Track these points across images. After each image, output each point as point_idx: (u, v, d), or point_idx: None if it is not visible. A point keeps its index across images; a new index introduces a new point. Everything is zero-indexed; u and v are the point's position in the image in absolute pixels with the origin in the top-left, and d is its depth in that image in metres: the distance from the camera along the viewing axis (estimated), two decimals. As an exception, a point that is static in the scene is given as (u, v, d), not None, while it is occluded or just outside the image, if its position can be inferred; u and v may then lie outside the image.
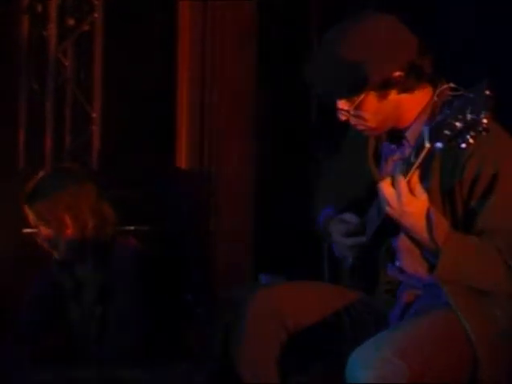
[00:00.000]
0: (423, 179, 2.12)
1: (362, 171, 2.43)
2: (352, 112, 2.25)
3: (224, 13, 4.06)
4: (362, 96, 2.21)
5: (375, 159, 2.41)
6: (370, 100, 2.22)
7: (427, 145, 1.97)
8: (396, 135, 2.34)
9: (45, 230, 3.04)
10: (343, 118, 2.28)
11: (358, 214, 2.41)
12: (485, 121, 1.85)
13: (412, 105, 2.26)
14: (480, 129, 1.86)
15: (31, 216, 3.06)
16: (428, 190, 2.13)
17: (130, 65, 4.29)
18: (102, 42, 4.35)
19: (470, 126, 1.86)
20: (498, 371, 2.15)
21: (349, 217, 2.39)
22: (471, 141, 1.88)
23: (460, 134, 1.88)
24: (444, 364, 2.10)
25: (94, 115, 4.36)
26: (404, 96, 2.24)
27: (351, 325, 2.35)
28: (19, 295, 3.75)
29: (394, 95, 2.23)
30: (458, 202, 2.19)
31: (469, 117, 1.86)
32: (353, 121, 2.29)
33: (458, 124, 1.88)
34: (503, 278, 2.12)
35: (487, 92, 1.85)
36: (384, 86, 2.20)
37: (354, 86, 2.20)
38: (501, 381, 2.16)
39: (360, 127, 2.31)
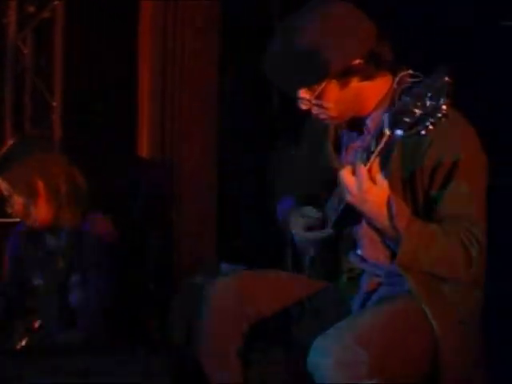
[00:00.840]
0: (384, 167, 2.13)
1: (322, 160, 2.43)
2: (313, 101, 2.25)
3: (186, 1, 4.03)
4: (324, 85, 2.21)
5: (335, 148, 2.42)
6: (332, 88, 2.22)
7: (387, 132, 1.98)
8: (356, 123, 2.35)
9: (18, 199, 3.03)
10: (304, 107, 2.28)
11: (318, 203, 2.42)
12: (444, 107, 1.86)
13: (373, 92, 2.26)
14: (439, 115, 1.86)
15: (3, 185, 3.05)
16: (389, 178, 2.14)
17: (91, 53, 4.25)
18: (63, 30, 4.27)
19: (429, 113, 1.87)
20: (459, 358, 2.17)
21: (308, 210, 2.40)
22: (431, 127, 1.88)
23: (420, 121, 1.89)
24: (405, 351, 2.12)
25: (55, 104, 4.30)
26: (365, 84, 2.24)
27: (313, 313, 2.36)
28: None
29: (355, 83, 2.23)
30: (419, 190, 2.20)
31: (428, 103, 1.86)
32: (314, 110, 2.29)
33: (417, 111, 1.88)
34: (463, 264, 2.14)
35: (446, 78, 1.86)
36: (345, 74, 2.20)
37: (315, 75, 2.20)
38: (463, 368, 2.18)
39: (321, 116, 2.31)
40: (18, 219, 3.17)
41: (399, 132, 1.95)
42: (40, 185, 3.03)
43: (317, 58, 2.17)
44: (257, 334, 2.29)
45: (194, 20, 4.04)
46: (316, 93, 2.23)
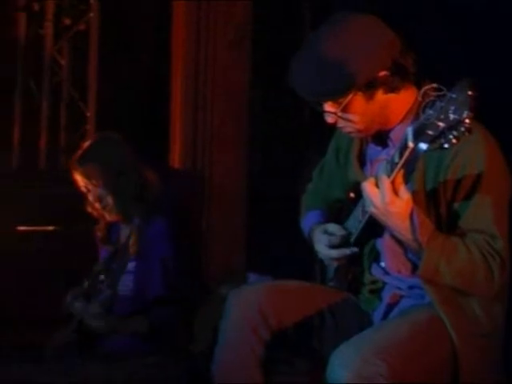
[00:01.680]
0: (408, 180, 2.14)
1: (347, 172, 2.45)
2: (339, 114, 2.24)
3: (218, 13, 4.08)
4: (349, 97, 2.20)
5: (359, 161, 2.42)
6: (357, 101, 2.22)
7: (410, 145, 1.98)
8: (381, 137, 2.36)
9: (94, 191, 3.15)
10: (331, 120, 2.28)
11: (342, 216, 2.43)
12: (467, 121, 1.86)
13: (398, 105, 2.26)
14: (462, 129, 1.87)
15: (80, 179, 3.17)
16: (413, 191, 2.15)
17: (125, 64, 4.32)
18: (98, 42, 4.37)
19: (452, 126, 1.88)
20: (479, 371, 2.18)
21: (331, 227, 2.40)
22: (454, 141, 1.89)
23: (443, 134, 1.90)
24: (425, 364, 2.13)
25: (89, 114, 4.39)
26: (390, 96, 2.24)
27: (335, 325, 2.37)
28: (14, 292, 3.81)
29: (380, 95, 2.23)
30: (442, 203, 2.21)
31: (451, 117, 1.87)
32: (340, 123, 2.29)
33: (440, 124, 1.89)
34: (484, 278, 2.15)
35: (469, 92, 1.86)
36: (370, 87, 2.20)
37: (340, 88, 2.19)
38: (482, 381, 2.19)
39: (347, 129, 2.31)
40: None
41: (423, 145, 1.96)
42: (112, 177, 3.13)
43: (342, 71, 2.17)
44: (279, 344, 2.31)
45: (226, 32, 4.09)
46: (342, 106, 2.22)
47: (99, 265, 3.28)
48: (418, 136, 1.96)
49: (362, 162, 2.43)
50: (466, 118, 1.86)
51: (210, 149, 4.07)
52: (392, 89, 2.23)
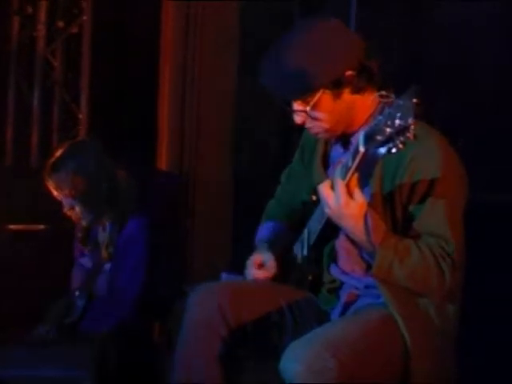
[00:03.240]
0: (366, 184, 2.21)
1: (312, 176, 2.51)
2: (308, 112, 2.29)
3: (206, 16, 4.15)
4: (318, 95, 2.26)
5: (324, 163, 2.49)
6: (325, 99, 2.27)
7: (361, 149, 2.05)
8: (343, 140, 2.42)
9: (66, 200, 3.21)
10: (299, 120, 2.33)
11: (305, 217, 2.49)
12: (412, 127, 1.92)
13: (362, 108, 2.33)
14: (408, 134, 1.93)
15: (51, 187, 3.22)
16: (370, 194, 2.22)
17: (116, 67, 4.39)
18: (90, 44, 4.43)
19: (398, 132, 1.93)
20: (430, 371, 2.23)
21: (268, 264, 2.50)
22: (400, 146, 1.95)
23: (390, 139, 1.95)
24: (376, 361, 2.18)
25: (81, 116, 4.45)
26: (356, 97, 2.30)
27: (293, 322, 2.42)
28: (5, 291, 3.87)
29: (347, 95, 2.29)
30: (398, 207, 2.27)
31: (397, 123, 1.93)
32: (309, 123, 2.34)
33: (387, 129, 1.95)
34: (436, 281, 2.20)
35: (414, 99, 1.92)
36: (337, 85, 2.26)
37: (308, 86, 2.25)
38: (434, 380, 2.24)
39: (315, 130, 2.36)
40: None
41: (380, 148, 2.01)
42: (81, 186, 3.17)
43: (310, 70, 2.23)
44: (239, 342, 2.36)
45: (214, 35, 4.16)
46: (311, 104, 2.27)
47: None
48: (368, 141, 2.02)
49: (326, 164, 2.49)
50: (411, 124, 1.92)
51: (196, 149, 4.15)
52: (358, 89, 2.30)
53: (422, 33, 3.92)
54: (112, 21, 4.40)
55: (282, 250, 2.54)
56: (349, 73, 2.27)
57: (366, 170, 2.19)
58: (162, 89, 4.21)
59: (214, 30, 4.17)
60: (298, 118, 2.34)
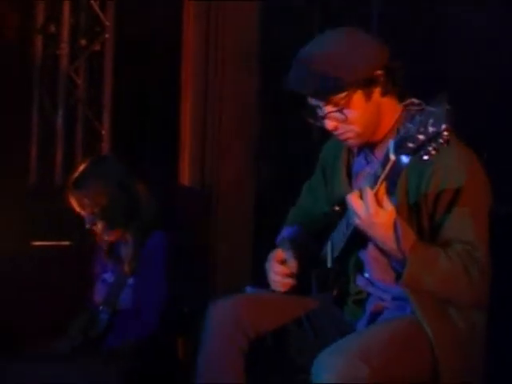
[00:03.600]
0: (391, 193, 2.21)
1: (334, 187, 2.51)
2: (343, 112, 2.30)
3: (227, 31, 4.18)
4: (350, 93, 2.28)
5: (347, 175, 2.50)
6: (358, 98, 2.30)
7: (392, 157, 2.05)
8: (367, 150, 2.43)
9: (87, 217, 3.23)
10: (332, 124, 2.34)
11: (329, 230, 2.50)
12: (445, 133, 1.92)
13: (389, 113, 2.36)
14: (441, 141, 1.93)
15: (74, 203, 3.25)
16: (396, 204, 2.22)
17: (138, 84, 4.43)
18: (113, 62, 4.47)
19: (431, 139, 1.94)
20: (459, 379, 2.24)
21: (289, 260, 2.51)
22: (433, 152, 1.96)
23: (422, 147, 1.96)
24: (405, 368, 2.20)
25: (104, 132, 4.49)
26: (384, 100, 2.34)
27: (313, 333, 2.43)
28: (28, 307, 3.90)
29: (377, 96, 2.32)
30: (424, 215, 2.28)
31: (430, 130, 1.93)
32: (341, 129, 2.35)
33: (420, 137, 1.95)
34: (465, 286, 2.21)
35: (447, 106, 1.93)
36: (369, 84, 2.29)
37: (341, 83, 2.26)
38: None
39: (347, 135, 2.37)
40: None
41: (404, 157, 2.03)
42: (103, 202, 3.18)
43: (342, 68, 2.26)
44: (258, 351, 2.38)
45: (235, 52, 4.18)
46: (344, 102, 2.29)
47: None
48: (399, 148, 2.02)
49: (349, 175, 2.50)
50: (444, 130, 1.92)
51: (218, 164, 4.17)
52: (386, 91, 2.33)
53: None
54: (134, 38, 4.43)
55: (302, 250, 2.54)
56: (379, 72, 2.30)
57: (391, 180, 2.19)
58: (184, 105, 4.24)
59: (234, 44, 4.19)
60: (330, 124, 2.35)
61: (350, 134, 2.37)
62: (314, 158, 2.81)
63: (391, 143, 2.05)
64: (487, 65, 3.82)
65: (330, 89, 2.27)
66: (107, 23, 4.46)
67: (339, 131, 2.37)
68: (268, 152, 4.30)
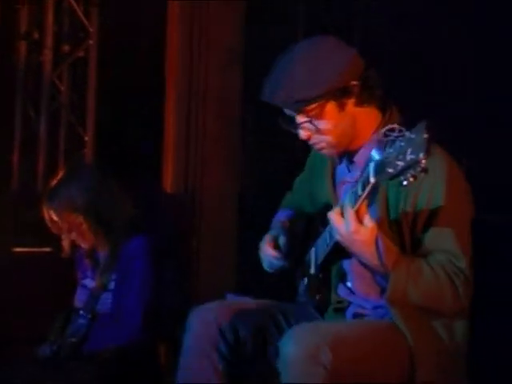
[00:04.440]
0: (372, 209, 2.22)
1: (319, 192, 2.51)
2: (314, 123, 2.31)
3: (210, 37, 4.19)
4: (323, 104, 2.28)
5: (332, 182, 2.50)
6: (330, 109, 2.30)
7: (372, 180, 2.08)
8: (347, 158, 2.44)
9: (64, 226, 3.22)
10: (305, 134, 2.34)
11: (311, 231, 2.50)
12: (423, 161, 1.94)
13: (365, 124, 2.35)
14: (419, 169, 1.96)
15: (47, 216, 3.22)
16: (377, 219, 2.24)
17: (121, 90, 4.43)
18: (96, 68, 4.47)
19: (409, 166, 1.97)
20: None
21: (281, 240, 2.52)
22: (411, 179, 1.98)
23: (401, 173, 1.99)
24: (376, 367, 2.20)
25: (87, 138, 4.48)
26: (359, 110, 2.33)
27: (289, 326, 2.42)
28: (9, 313, 3.88)
29: (351, 107, 2.32)
30: (405, 229, 2.29)
31: (408, 157, 1.96)
32: (314, 139, 2.36)
33: (399, 163, 1.98)
34: (450, 297, 2.22)
35: (425, 135, 1.95)
36: (342, 94, 2.29)
37: (314, 93, 2.26)
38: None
39: (320, 145, 2.38)
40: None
41: (383, 182, 2.07)
42: (79, 217, 3.17)
43: (315, 77, 2.26)
44: (238, 358, 2.39)
45: (218, 56, 4.19)
46: (316, 112, 2.29)
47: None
48: (379, 173, 2.05)
49: (334, 182, 2.51)
50: (422, 159, 1.94)
51: (201, 170, 4.16)
52: (362, 101, 2.32)
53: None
54: (118, 44, 4.43)
55: (293, 234, 2.57)
56: (354, 83, 2.29)
57: (371, 196, 2.20)
58: (168, 111, 4.23)
59: (219, 51, 4.19)
60: (303, 133, 2.35)
61: (323, 144, 2.37)
62: (298, 160, 2.83)
63: (371, 166, 2.08)
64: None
65: (301, 100, 2.28)
66: (91, 29, 4.45)
67: (313, 141, 2.37)
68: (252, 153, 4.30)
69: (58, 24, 4.45)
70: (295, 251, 2.53)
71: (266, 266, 2.58)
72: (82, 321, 3.21)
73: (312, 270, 2.46)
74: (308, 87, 2.25)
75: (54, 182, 3.26)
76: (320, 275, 2.44)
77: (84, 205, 3.17)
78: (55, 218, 3.20)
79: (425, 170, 1.95)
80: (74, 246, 3.33)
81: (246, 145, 4.27)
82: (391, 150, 2.00)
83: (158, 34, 4.28)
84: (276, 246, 2.53)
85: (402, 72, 3.73)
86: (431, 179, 2.21)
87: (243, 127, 4.25)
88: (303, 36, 4.30)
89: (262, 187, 4.26)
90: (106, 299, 3.22)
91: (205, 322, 2.39)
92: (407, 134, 1.98)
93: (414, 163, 1.94)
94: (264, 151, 4.28)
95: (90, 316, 3.21)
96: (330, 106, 2.29)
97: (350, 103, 2.30)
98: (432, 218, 2.24)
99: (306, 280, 2.53)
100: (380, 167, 2.03)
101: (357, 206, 2.14)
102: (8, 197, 4.32)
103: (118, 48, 4.44)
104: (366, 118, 2.34)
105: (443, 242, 2.23)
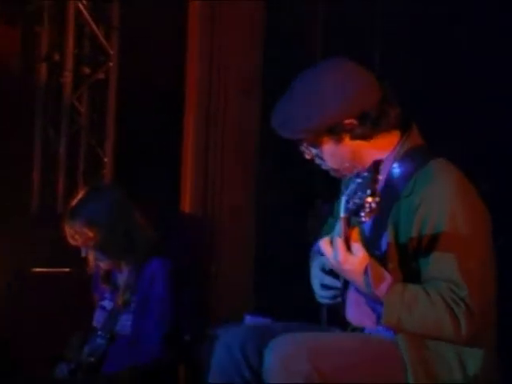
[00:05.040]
0: (382, 233, 2.23)
1: None
2: (313, 151, 2.36)
3: (229, 62, 4.22)
4: (319, 138, 2.32)
5: None
6: (326, 142, 2.33)
7: (342, 215, 2.10)
8: None
9: (85, 243, 3.23)
10: (308, 155, 2.40)
11: None
12: (368, 200, 1.98)
13: (373, 151, 2.34)
14: (367, 209, 1.99)
15: (69, 233, 3.24)
16: (387, 243, 2.23)
17: (141, 112, 4.46)
18: (116, 90, 4.51)
19: (360, 204, 2.01)
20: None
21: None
22: (367, 218, 2.00)
23: (358, 209, 2.02)
24: (366, 379, 2.17)
25: (106, 160, 4.51)
26: (360, 143, 2.33)
27: None
28: (27, 333, 3.91)
29: (348, 141, 2.33)
30: (411, 255, 2.25)
31: (358, 194, 2.01)
32: (316, 160, 2.41)
33: (355, 200, 2.03)
34: (451, 326, 2.17)
35: (372, 174, 1.99)
36: (334, 131, 2.31)
37: (305, 129, 2.31)
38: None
39: (324, 167, 2.42)
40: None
41: (351, 216, 2.08)
42: (94, 236, 3.20)
43: (309, 113, 2.29)
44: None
45: (237, 81, 4.22)
46: (310, 141, 2.34)
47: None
48: (345, 208, 2.08)
49: None
50: (367, 197, 1.98)
51: (220, 192, 4.19)
52: (359, 136, 2.32)
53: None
54: (137, 67, 4.47)
55: None
56: (348, 121, 2.30)
57: (381, 219, 2.21)
58: (187, 133, 4.27)
59: (237, 76, 4.23)
60: (306, 155, 2.41)
61: (326, 168, 2.42)
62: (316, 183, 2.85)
63: (342, 200, 2.09)
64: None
65: (296, 133, 2.33)
66: (111, 52, 4.50)
67: (316, 162, 2.42)
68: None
69: (79, 46, 4.50)
70: None
71: (323, 296, 2.47)
72: (100, 341, 3.23)
73: (339, 283, 2.42)
74: (300, 121, 2.30)
75: (76, 200, 3.28)
76: (344, 294, 2.39)
77: (106, 222, 3.20)
78: (77, 235, 3.22)
79: (373, 211, 1.97)
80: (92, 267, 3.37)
81: (264, 167, 4.29)
82: (353, 185, 2.04)
83: (178, 58, 4.32)
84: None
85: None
86: (435, 201, 2.20)
87: (261, 150, 4.28)
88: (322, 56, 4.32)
89: (280, 209, 4.28)
90: (125, 321, 3.24)
91: (229, 347, 2.38)
92: (363, 172, 2.02)
93: (363, 202, 1.98)
94: (282, 173, 4.30)
95: (108, 336, 3.23)
96: (326, 139, 2.33)
97: (347, 138, 2.32)
98: (434, 242, 2.21)
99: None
100: (346, 202, 2.07)
101: (342, 236, 2.12)
102: (27, 217, 4.35)
103: (137, 70, 4.47)
104: (372, 146, 2.34)
105: (444, 269, 2.19)
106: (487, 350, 2.27)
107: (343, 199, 2.08)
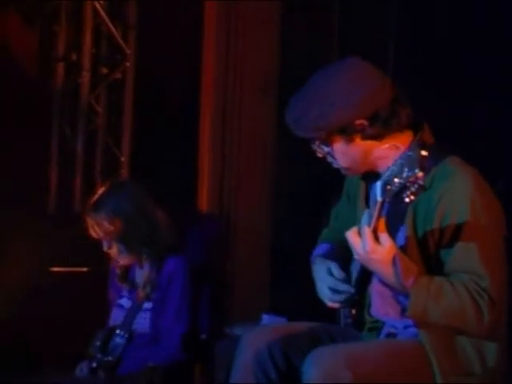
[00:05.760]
0: (400, 227, 2.25)
1: (356, 215, 2.52)
2: (325, 149, 2.38)
3: (245, 61, 4.23)
4: (330, 137, 2.34)
5: (366, 201, 2.51)
6: (337, 142, 2.35)
7: (379, 199, 2.11)
8: (377, 178, 2.44)
9: (105, 240, 3.26)
10: (319, 155, 2.42)
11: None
12: (420, 178, 2.00)
13: (384, 151, 2.35)
14: (416, 186, 2.00)
15: (91, 226, 3.27)
16: (405, 237, 2.25)
17: (157, 112, 4.48)
18: (133, 90, 4.52)
19: (408, 183, 2.01)
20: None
21: (334, 268, 2.48)
22: (412, 197, 2.03)
23: (402, 190, 2.03)
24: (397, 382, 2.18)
25: (123, 159, 4.53)
26: (372, 143, 2.35)
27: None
28: (46, 332, 3.93)
29: (359, 140, 2.34)
30: (432, 248, 2.28)
31: (405, 174, 2.01)
32: (328, 159, 2.43)
33: (397, 180, 2.03)
34: (474, 317, 2.20)
35: (422, 152, 2.00)
36: (345, 132, 2.33)
37: (316, 129, 2.33)
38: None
39: (335, 166, 2.44)
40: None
41: (389, 198, 2.09)
42: (119, 227, 3.21)
43: (320, 112, 2.30)
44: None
45: (254, 80, 4.23)
46: (321, 140, 2.36)
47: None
48: (383, 191, 2.09)
49: (367, 202, 2.51)
50: (417, 175, 1.99)
51: (236, 192, 4.19)
52: (370, 136, 2.34)
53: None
54: (154, 67, 4.48)
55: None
56: (359, 122, 2.31)
57: (398, 213, 2.22)
58: (203, 132, 4.28)
59: (253, 75, 4.23)
60: (318, 153, 2.42)
61: (337, 166, 2.44)
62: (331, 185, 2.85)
63: (378, 185, 2.11)
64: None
65: (307, 132, 2.35)
66: (128, 51, 4.52)
67: (328, 160, 2.43)
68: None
69: (96, 46, 4.52)
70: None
71: (334, 300, 2.49)
72: (119, 340, 3.25)
73: (352, 283, 2.46)
74: (311, 120, 2.32)
75: (98, 194, 3.31)
76: (356, 296, 2.43)
77: (129, 214, 3.23)
78: (99, 228, 3.24)
79: (423, 188, 1.98)
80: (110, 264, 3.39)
81: (280, 166, 4.29)
82: (393, 168, 2.07)
83: (194, 57, 4.33)
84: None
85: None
86: (455, 195, 2.22)
87: (278, 148, 4.28)
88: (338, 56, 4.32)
89: (296, 211, 4.28)
90: (142, 318, 3.26)
91: (256, 347, 2.39)
92: (406, 151, 2.05)
93: (411, 180, 1.98)
94: (299, 172, 4.30)
95: (127, 335, 3.24)
96: (337, 138, 2.34)
97: (358, 138, 2.34)
98: (456, 235, 2.23)
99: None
100: (384, 186, 2.07)
101: (372, 225, 2.14)
102: (45, 216, 4.38)
103: (154, 70, 4.48)
104: (383, 146, 2.35)
105: (467, 260, 2.22)
106: (502, 342, 2.31)
107: (378, 184, 2.09)
